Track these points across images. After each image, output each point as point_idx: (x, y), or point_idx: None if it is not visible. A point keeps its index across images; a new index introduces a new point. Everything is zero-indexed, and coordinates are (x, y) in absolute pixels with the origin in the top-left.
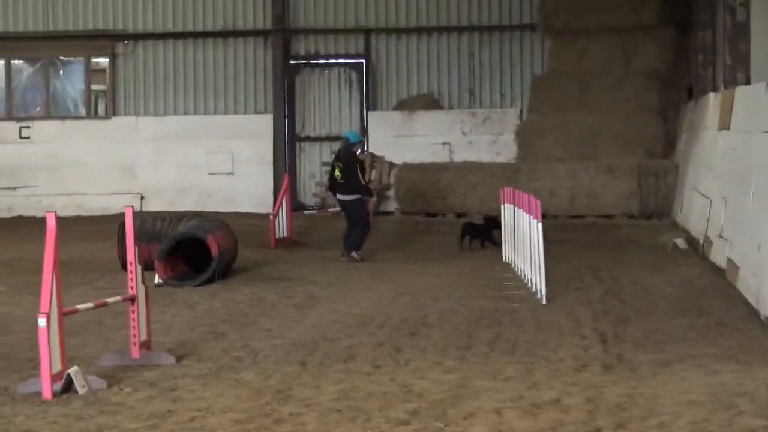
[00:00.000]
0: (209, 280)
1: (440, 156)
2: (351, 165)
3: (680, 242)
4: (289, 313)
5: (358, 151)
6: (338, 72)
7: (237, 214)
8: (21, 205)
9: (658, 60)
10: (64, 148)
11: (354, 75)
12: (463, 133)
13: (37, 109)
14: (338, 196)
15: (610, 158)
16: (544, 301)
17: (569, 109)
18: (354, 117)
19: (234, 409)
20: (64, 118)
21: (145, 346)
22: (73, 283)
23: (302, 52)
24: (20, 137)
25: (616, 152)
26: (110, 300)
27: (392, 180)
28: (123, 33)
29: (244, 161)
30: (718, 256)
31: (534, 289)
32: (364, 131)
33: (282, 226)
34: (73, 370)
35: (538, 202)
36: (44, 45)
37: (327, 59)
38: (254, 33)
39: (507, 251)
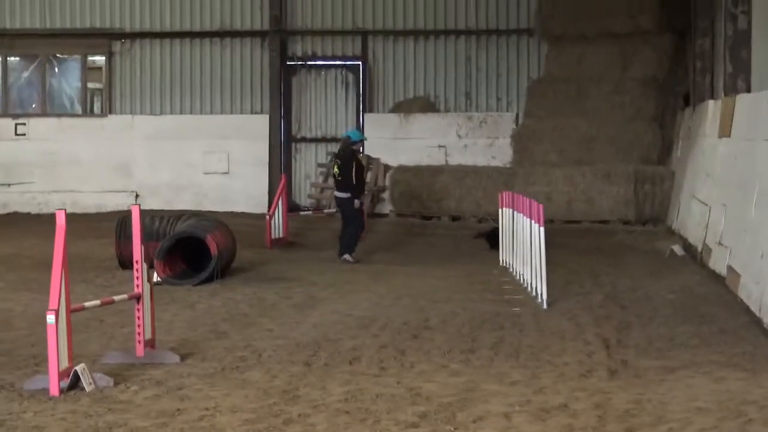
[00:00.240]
0: (208, 280)
1: (436, 159)
2: (347, 162)
3: (677, 249)
4: (289, 313)
5: (360, 150)
6: (335, 73)
7: (232, 213)
8: (16, 201)
9: (656, 66)
10: (59, 146)
11: (350, 77)
12: (459, 137)
13: (33, 106)
14: (335, 192)
15: (607, 164)
16: (544, 306)
17: (566, 114)
18: (350, 119)
19: (242, 409)
20: (60, 115)
21: (150, 344)
22: (71, 281)
23: (299, 54)
24: (16, 134)
25: (612, 158)
26: (117, 298)
27: (387, 182)
28: (120, 31)
29: (240, 161)
30: (717, 263)
31: (534, 294)
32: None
33: (278, 227)
34: (80, 367)
35: (541, 206)
36: (41, 42)
37: (324, 61)
38: (251, 33)
39: (504, 255)
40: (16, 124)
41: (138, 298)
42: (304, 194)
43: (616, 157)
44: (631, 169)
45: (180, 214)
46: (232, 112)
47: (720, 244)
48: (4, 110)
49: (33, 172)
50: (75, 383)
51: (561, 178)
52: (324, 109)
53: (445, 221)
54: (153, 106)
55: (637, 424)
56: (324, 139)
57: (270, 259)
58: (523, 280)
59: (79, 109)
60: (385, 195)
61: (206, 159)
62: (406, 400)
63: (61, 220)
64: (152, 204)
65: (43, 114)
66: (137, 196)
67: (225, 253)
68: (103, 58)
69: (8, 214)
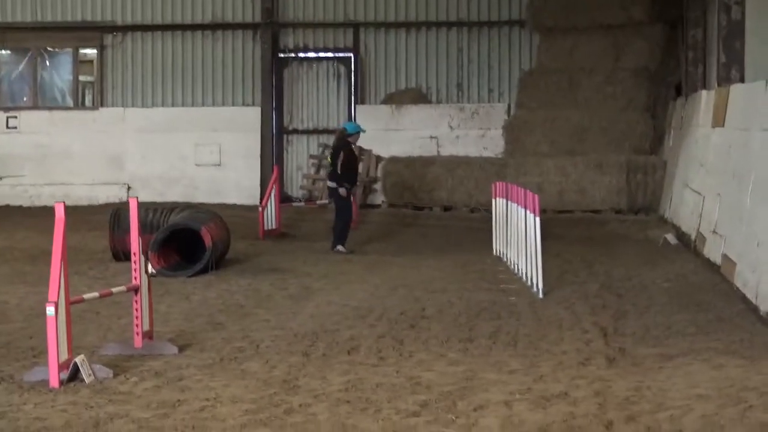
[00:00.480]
0: (202, 271)
1: (427, 150)
2: (336, 152)
3: (671, 237)
4: (285, 304)
5: (356, 142)
6: (326, 65)
7: (224, 205)
8: (7, 194)
9: (647, 57)
10: (51, 139)
11: (342, 69)
12: (451, 128)
13: (25, 99)
14: (327, 182)
15: (599, 154)
16: (540, 295)
17: (558, 105)
18: (342, 110)
19: (243, 399)
20: (51, 108)
21: (148, 335)
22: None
23: (291, 46)
24: (7, 127)
25: (604, 148)
26: (115, 290)
27: (379, 173)
28: (111, 24)
29: (232, 153)
30: (712, 251)
31: (529, 283)
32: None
33: (271, 218)
34: (79, 359)
35: (536, 196)
36: (32, 36)
37: (315, 53)
38: (243, 26)
39: (498, 245)
40: (7, 117)
41: (136, 289)
42: (296, 186)
43: (608, 148)
44: (623, 159)
45: (174, 206)
46: (223, 105)
47: (714, 232)
48: None
49: (24, 165)
50: (74, 375)
51: (553, 168)
52: (316, 100)
53: (437, 212)
54: (144, 98)
55: (637, 411)
56: (316, 131)
57: (263, 251)
58: (518, 269)
59: (70, 102)
60: (378, 186)
61: (198, 151)
62: (407, 389)
63: (60, 213)
64: (144, 196)
65: (35, 107)
66: (129, 188)
67: (219, 245)
68: (95, 51)
69: (0, 208)
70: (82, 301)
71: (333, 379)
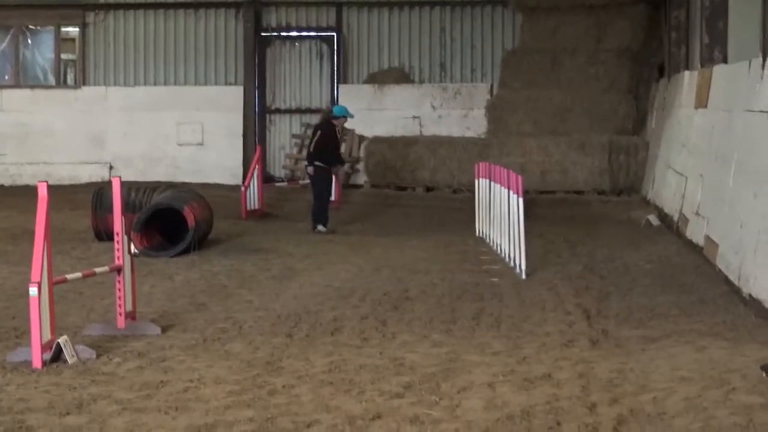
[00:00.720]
0: (185, 251)
1: (410, 130)
2: (315, 131)
3: (653, 219)
4: (268, 285)
5: (340, 126)
6: (309, 45)
7: (206, 185)
8: None
9: (630, 37)
10: (33, 117)
11: (325, 48)
12: (434, 108)
13: (6, 78)
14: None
15: (581, 135)
16: (523, 276)
17: (540, 85)
18: (324, 90)
19: (226, 381)
20: (33, 86)
21: (130, 316)
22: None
23: (273, 25)
24: None
25: (586, 129)
26: (98, 270)
27: (362, 153)
28: (93, 2)
29: (214, 132)
30: (694, 233)
31: (512, 264)
32: (334, 104)
33: (253, 198)
34: (62, 340)
35: (520, 177)
36: (14, 13)
37: (298, 32)
38: (225, 4)
39: (481, 226)
40: None
41: (119, 270)
42: (278, 165)
43: (590, 128)
44: (605, 140)
45: (156, 186)
46: (206, 84)
47: (697, 214)
48: None
49: (6, 144)
50: (57, 355)
51: (535, 148)
52: (298, 80)
53: (420, 192)
54: (127, 77)
55: (621, 393)
56: (298, 111)
57: (246, 231)
58: (501, 250)
59: (52, 80)
60: (360, 166)
61: (180, 130)
62: (390, 371)
63: (43, 192)
64: (126, 175)
65: (16, 85)
66: (111, 167)
67: (202, 225)
68: (77, 29)
69: None
70: (65, 281)
71: (316, 360)
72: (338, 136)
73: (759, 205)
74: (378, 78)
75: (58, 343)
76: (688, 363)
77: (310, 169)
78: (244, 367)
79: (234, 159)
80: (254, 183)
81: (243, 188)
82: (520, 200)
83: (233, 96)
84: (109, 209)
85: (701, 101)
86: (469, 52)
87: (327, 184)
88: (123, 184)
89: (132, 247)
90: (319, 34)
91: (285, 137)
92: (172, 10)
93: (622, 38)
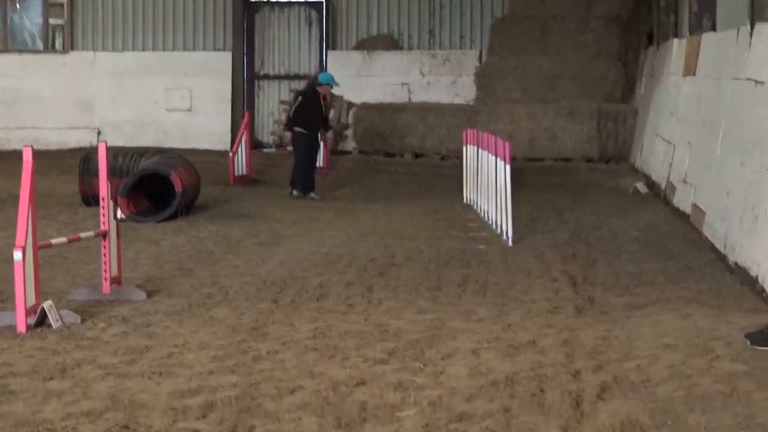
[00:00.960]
0: (172, 217)
1: (399, 96)
2: (296, 96)
3: (641, 186)
4: (255, 250)
5: (325, 94)
6: (298, 11)
7: (194, 150)
8: None
9: (619, 5)
10: (21, 82)
11: (314, 14)
12: (422, 74)
13: None
14: None
15: (570, 102)
16: (510, 243)
17: (529, 52)
18: (313, 56)
19: (210, 346)
20: (21, 51)
21: (116, 281)
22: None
23: None
24: None
25: (575, 96)
26: (83, 235)
27: (351, 119)
28: None
29: (203, 98)
30: (682, 200)
31: (499, 231)
32: (324, 70)
33: (241, 164)
34: (47, 304)
35: (507, 144)
36: None
37: None
38: None
39: (468, 192)
40: None
41: (104, 235)
42: (267, 131)
43: (579, 95)
44: (594, 107)
45: (143, 151)
46: (194, 49)
47: (685, 182)
48: None
49: None
50: (42, 320)
51: (524, 115)
52: (287, 46)
53: (408, 158)
54: (115, 42)
55: (605, 360)
56: (287, 77)
57: (234, 197)
58: (488, 217)
59: (40, 45)
60: (349, 132)
61: (169, 96)
62: (374, 337)
63: (27, 157)
64: (114, 141)
65: (4, 50)
66: (99, 133)
67: (189, 190)
68: None
69: None
70: (50, 246)
71: (301, 326)
72: (323, 103)
73: (746, 173)
74: (367, 44)
75: (43, 307)
76: (673, 330)
77: (289, 135)
78: (228, 332)
79: (222, 125)
80: (242, 149)
81: (231, 154)
82: (508, 167)
83: (222, 62)
84: (96, 174)
85: (690, 69)
86: (458, 19)
87: (307, 150)
88: (110, 149)
89: (119, 212)
90: (308, 0)
91: (273, 103)
92: None
93: (611, 5)
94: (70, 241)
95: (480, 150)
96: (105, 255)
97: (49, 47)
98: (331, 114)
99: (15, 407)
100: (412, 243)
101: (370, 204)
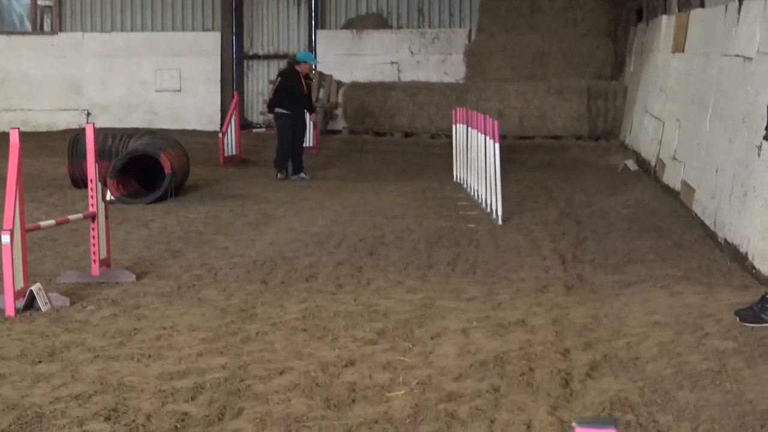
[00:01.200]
0: (161, 198)
1: (388, 75)
2: (276, 77)
3: (631, 164)
4: (244, 231)
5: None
6: None
7: (184, 131)
8: None
9: None
10: (9, 64)
11: None
12: (412, 53)
13: None
14: None
15: (560, 80)
16: (500, 222)
17: (519, 30)
18: (302, 36)
19: (200, 328)
20: (9, 33)
21: (105, 263)
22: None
23: None
24: None
25: (565, 74)
26: (72, 217)
27: (340, 99)
28: None
29: (192, 79)
30: (671, 178)
31: (489, 210)
32: (312, 50)
33: (231, 144)
34: (35, 287)
35: (496, 122)
36: None
37: None
38: None
39: (458, 171)
40: None
41: (93, 217)
42: (256, 111)
43: (568, 73)
44: (583, 85)
45: (133, 132)
46: (183, 29)
47: (674, 159)
48: None
49: None
50: (30, 303)
51: (514, 93)
52: (276, 26)
53: (398, 137)
54: (104, 23)
55: (594, 338)
56: (276, 56)
57: (223, 177)
58: (478, 196)
59: (28, 26)
60: (338, 112)
61: (158, 76)
62: (364, 317)
63: (14, 139)
64: (103, 122)
65: None
66: (88, 114)
67: (179, 171)
68: None
69: None
70: (39, 228)
71: (290, 307)
72: (303, 82)
73: (734, 149)
74: (356, 23)
75: (31, 290)
76: (663, 308)
77: (271, 116)
78: (218, 314)
79: (212, 105)
80: (232, 129)
81: (221, 134)
82: (497, 146)
83: (211, 42)
84: (85, 156)
85: (678, 46)
86: None
87: (292, 131)
88: (99, 130)
89: (108, 194)
90: None
91: (263, 83)
92: None
93: None
94: (58, 224)
95: (469, 129)
96: (94, 237)
97: (38, 28)
98: (320, 94)
99: (3, 391)
100: (401, 222)
101: (359, 183)
